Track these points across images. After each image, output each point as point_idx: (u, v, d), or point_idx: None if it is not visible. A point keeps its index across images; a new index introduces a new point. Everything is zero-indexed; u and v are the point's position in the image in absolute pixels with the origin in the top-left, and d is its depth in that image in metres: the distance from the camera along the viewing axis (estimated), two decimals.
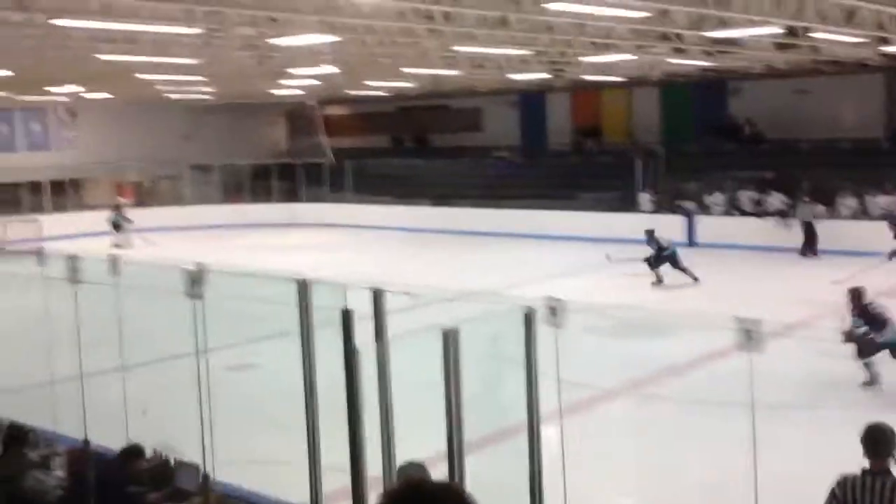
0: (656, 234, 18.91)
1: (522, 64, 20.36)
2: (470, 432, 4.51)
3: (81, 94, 27.59)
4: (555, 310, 4.65)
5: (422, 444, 4.97)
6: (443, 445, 4.50)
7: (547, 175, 28.98)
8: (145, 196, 33.72)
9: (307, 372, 5.66)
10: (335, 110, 37.42)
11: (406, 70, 21.48)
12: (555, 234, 24.90)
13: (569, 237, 24.35)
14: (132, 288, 7.57)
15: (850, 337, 10.87)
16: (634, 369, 11.68)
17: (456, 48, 16.82)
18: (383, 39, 15.58)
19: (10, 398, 8.13)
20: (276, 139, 37.94)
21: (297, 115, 37.39)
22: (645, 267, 18.40)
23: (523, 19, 13.73)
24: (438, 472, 4.51)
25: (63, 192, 31.30)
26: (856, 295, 11.12)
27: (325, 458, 5.92)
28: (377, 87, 28.26)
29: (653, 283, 18.32)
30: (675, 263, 18.47)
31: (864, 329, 10.82)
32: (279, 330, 6.95)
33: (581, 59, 19.58)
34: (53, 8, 11.53)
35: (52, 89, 25.22)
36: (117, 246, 25.51)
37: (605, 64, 20.56)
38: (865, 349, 10.83)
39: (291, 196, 32.92)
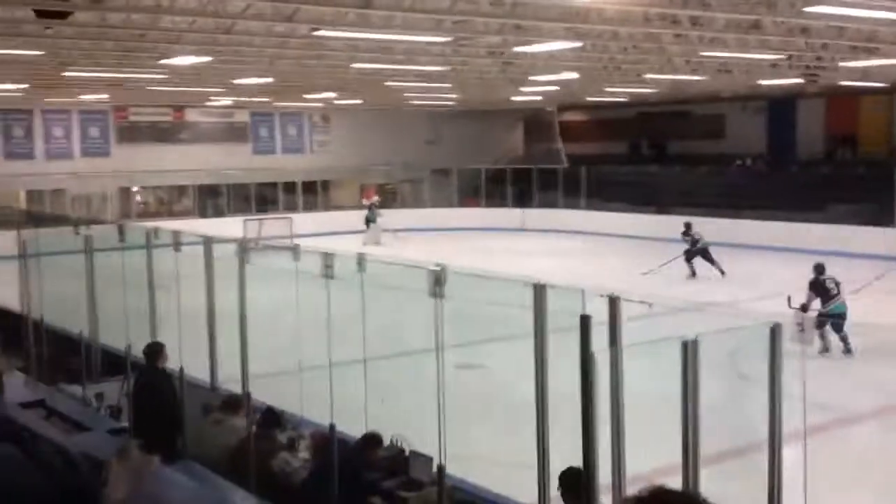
0: (693, 229, 20.53)
1: (773, 69, 19.44)
2: (704, 446, 4.39)
3: (334, 101, 29.25)
4: (803, 326, 4.43)
5: (652, 454, 4.89)
6: (673, 457, 4.41)
7: (794, 185, 27.49)
8: (388, 198, 35.30)
9: (539, 375, 5.71)
10: (572, 116, 37.43)
11: (648, 76, 21.11)
12: (800, 247, 23.54)
13: (815, 251, 22.90)
14: (377, 285, 7.93)
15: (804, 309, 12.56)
16: (886, 394, 10.84)
17: (703, 53, 16.33)
18: (627, 45, 15.41)
19: (264, 383, 8.74)
20: (512, 144, 38.48)
21: (534, 120, 37.74)
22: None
23: (778, 22, 13.13)
24: (672, 484, 4.41)
25: (313, 193, 33.38)
26: (817, 269, 13.68)
27: (553, 461, 5.96)
28: (616, 92, 27.97)
29: (687, 277, 19.67)
30: (706, 256, 20.19)
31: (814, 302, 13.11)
32: (511, 332, 7.07)
33: (839, 63, 18.42)
34: (315, 19, 12.31)
35: (309, 96, 26.92)
36: (369, 243, 26.92)
37: (866, 69, 19.24)
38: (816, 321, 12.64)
39: (525, 201, 33.28)
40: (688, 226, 20.76)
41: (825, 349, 12.50)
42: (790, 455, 4.91)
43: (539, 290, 5.68)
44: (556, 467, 5.93)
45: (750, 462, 4.90)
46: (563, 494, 5.66)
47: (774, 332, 4.46)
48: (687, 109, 33.07)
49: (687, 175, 30.76)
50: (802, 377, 4.68)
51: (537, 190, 33.29)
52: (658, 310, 6.12)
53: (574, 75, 20.31)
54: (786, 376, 4.67)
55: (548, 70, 19.46)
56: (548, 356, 5.73)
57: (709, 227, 26.40)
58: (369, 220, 29.61)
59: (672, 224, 27.64)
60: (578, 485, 5.38)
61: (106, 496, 3.03)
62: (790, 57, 17.12)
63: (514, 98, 29.03)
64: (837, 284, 13.37)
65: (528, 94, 27.68)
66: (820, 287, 13.26)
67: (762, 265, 22.26)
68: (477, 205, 33.83)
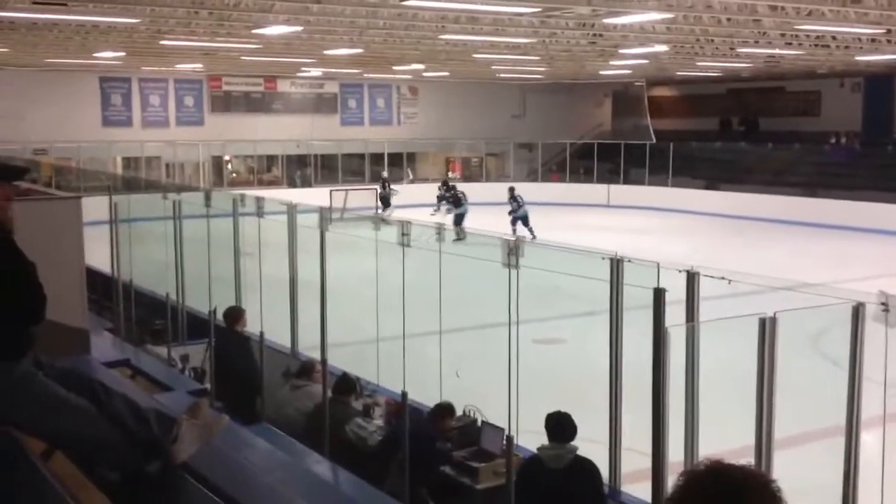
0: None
1: (872, 44, 18.68)
2: (780, 428, 4.26)
3: (422, 73, 29.25)
4: (887, 306, 4.24)
5: (726, 434, 4.78)
6: (748, 438, 4.30)
7: (890, 164, 26.49)
8: (473, 172, 35.25)
9: (614, 349, 5.64)
10: (661, 91, 36.71)
11: (741, 50, 20.52)
12: (893, 228, 22.74)
13: None
14: (454, 255, 7.93)
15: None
16: None
17: (799, 26, 15.77)
18: (720, 17, 14.98)
19: (342, 350, 8.85)
20: (599, 119, 37.97)
21: (622, 95, 37.15)
22: None
23: None
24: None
25: (400, 165, 33.54)
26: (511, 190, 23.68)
27: (626, 437, 5.89)
28: (708, 67, 27.27)
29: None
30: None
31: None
32: (588, 307, 6.98)
33: None
34: None
35: (398, 67, 26.98)
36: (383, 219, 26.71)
37: None
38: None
39: (611, 177, 32.83)
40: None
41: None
42: (870, 440, 4.74)
43: (615, 264, 5.60)
44: (628, 444, 5.87)
45: (831, 446, 4.74)
46: (549, 437, 5.96)
47: (857, 312, 4.29)
48: (781, 85, 32.10)
49: (780, 153, 29.91)
50: (885, 359, 4.50)
51: (624, 166, 32.81)
52: (741, 288, 5.97)
53: (664, 48, 19.88)
54: (870, 359, 4.51)
55: (638, 42, 19.08)
56: (623, 331, 5.66)
57: (803, 206, 25.80)
58: (383, 197, 28.05)
59: (764, 203, 27.07)
60: (559, 427, 5.84)
61: (175, 451, 3.10)
62: (889, 31, 16.42)
63: (602, 72, 28.58)
64: (520, 198, 23.23)
65: (618, 68, 27.23)
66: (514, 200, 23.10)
67: (856, 247, 21.56)
68: (562, 180, 33.52)
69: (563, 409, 6.02)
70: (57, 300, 3.17)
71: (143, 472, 3.04)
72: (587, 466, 5.83)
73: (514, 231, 22.08)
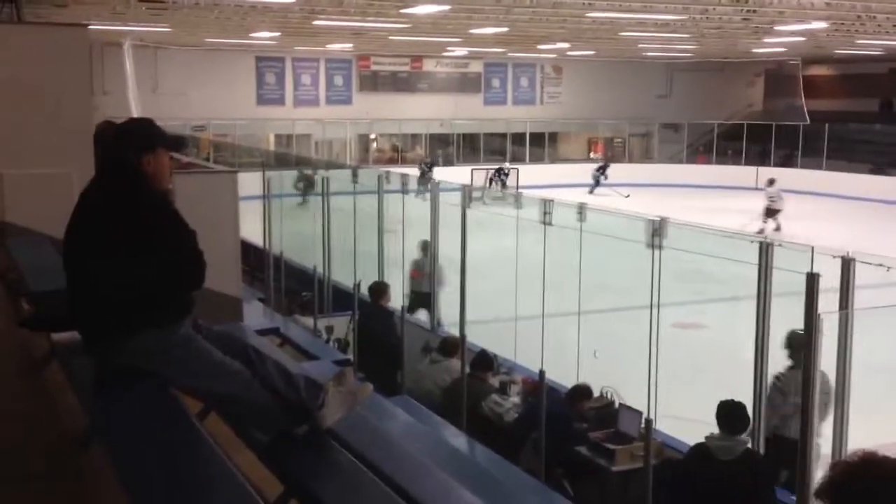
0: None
1: None
2: None
3: (567, 52, 28.96)
4: None
5: (876, 428, 4.59)
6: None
7: None
8: (616, 152, 34.72)
9: (760, 335, 5.49)
10: (817, 70, 34.99)
11: None
12: None
13: None
14: (596, 234, 7.88)
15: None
16: None
17: None
18: None
19: (480, 328, 8.94)
20: (750, 99, 36.58)
21: (776, 74, 35.63)
22: None
23: None
24: None
25: (541, 145, 33.37)
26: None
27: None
28: (869, 45, 25.83)
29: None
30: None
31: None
32: (732, 292, 6.81)
33: None
34: None
35: (542, 46, 26.80)
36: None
37: None
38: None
39: (761, 159, 31.64)
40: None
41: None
42: None
43: (765, 248, 5.44)
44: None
45: None
46: (719, 427, 5.72)
47: None
48: None
49: None
50: None
51: (775, 148, 31.56)
52: None
53: (823, 25, 18.97)
54: None
55: (795, 19, 18.28)
56: (770, 316, 5.50)
57: None
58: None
59: None
60: (732, 417, 5.59)
61: (322, 417, 3.21)
62: None
63: (755, 50, 27.53)
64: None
65: (771, 46, 26.15)
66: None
67: None
68: (709, 161, 32.56)
69: (734, 399, 5.80)
70: (214, 269, 3.32)
71: (292, 435, 3.17)
72: (758, 461, 5.61)
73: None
